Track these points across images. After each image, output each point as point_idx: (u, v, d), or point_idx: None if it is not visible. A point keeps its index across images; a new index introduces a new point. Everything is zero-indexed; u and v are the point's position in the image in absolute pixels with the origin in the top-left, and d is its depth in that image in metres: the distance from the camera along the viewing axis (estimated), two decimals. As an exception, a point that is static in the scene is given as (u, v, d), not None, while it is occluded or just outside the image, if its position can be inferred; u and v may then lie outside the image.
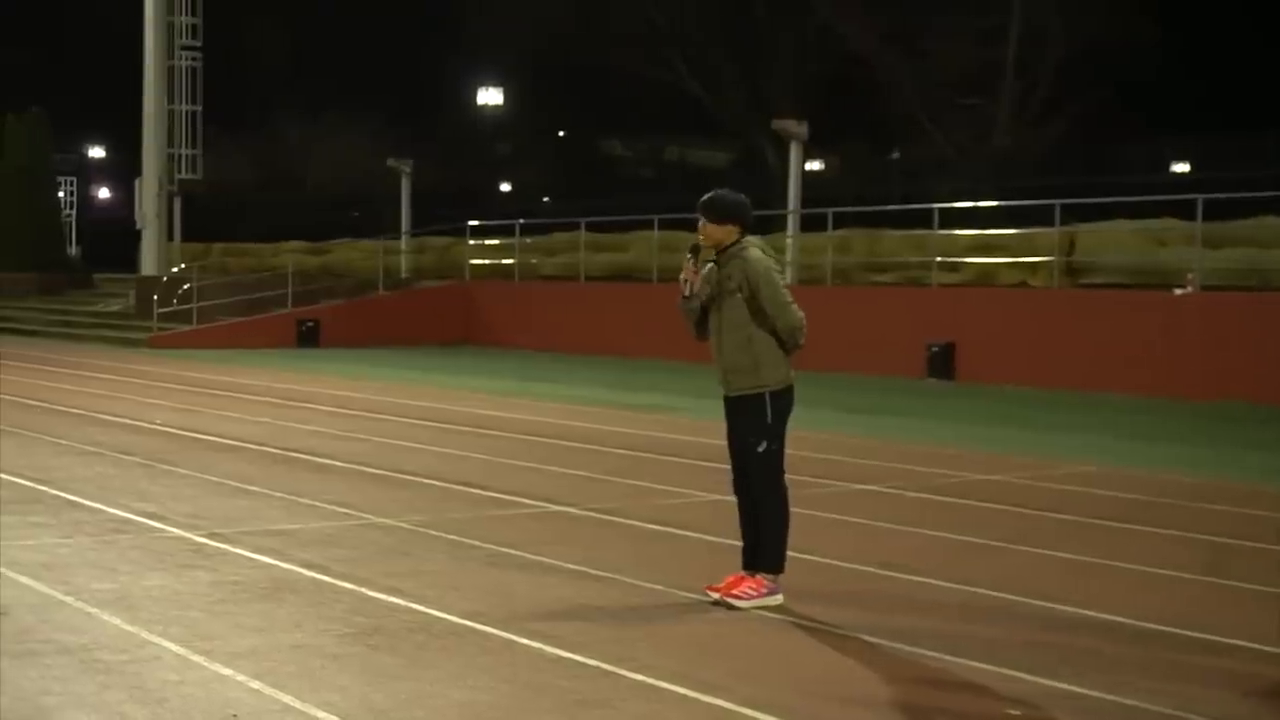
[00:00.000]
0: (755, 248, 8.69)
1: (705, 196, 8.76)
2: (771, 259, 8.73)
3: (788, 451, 8.77)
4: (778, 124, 35.10)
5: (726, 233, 8.66)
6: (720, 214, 8.67)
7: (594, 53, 54.74)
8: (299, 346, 35.00)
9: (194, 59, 41.95)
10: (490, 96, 68.89)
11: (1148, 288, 26.61)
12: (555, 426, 18.23)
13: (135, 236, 41.17)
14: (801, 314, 8.59)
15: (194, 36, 41.85)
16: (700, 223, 8.73)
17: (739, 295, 8.56)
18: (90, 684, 6.77)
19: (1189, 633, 8.10)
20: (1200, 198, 25.45)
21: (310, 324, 35.87)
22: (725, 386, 8.72)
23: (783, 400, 8.64)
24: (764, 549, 8.63)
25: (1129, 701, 6.77)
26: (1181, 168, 54.22)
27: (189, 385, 23.73)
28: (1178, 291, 25.41)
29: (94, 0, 67.42)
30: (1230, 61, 50.87)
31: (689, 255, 8.74)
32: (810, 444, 15.54)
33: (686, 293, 8.76)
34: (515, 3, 55.84)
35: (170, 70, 40.99)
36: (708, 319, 8.78)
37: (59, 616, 8.03)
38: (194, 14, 41.78)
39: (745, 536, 8.76)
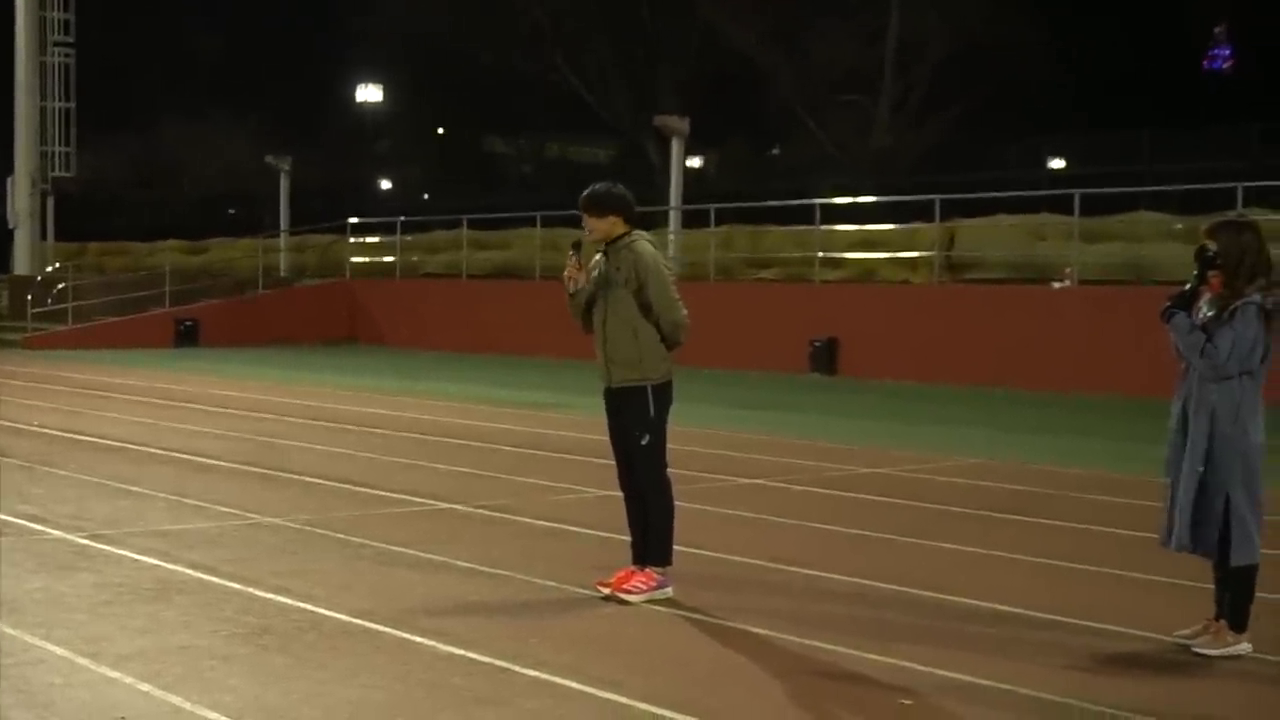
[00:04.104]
0: (645, 241, 8.74)
1: (585, 192, 8.77)
2: (661, 254, 8.78)
3: (671, 446, 8.80)
4: (660, 120, 35.20)
5: (611, 225, 8.68)
6: (601, 207, 8.69)
7: (474, 49, 54.50)
8: (178, 346, 34.54)
9: (67, 55, 41.23)
10: (370, 94, 68.44)
11: (1027, 282, 26.96)
12: (441, 424, 18.15)
13: (8, 236, 40.49)
14: (685, 312, 8.66)
15: (67, 32, 41.14)
16: (584, 219, 8.75)
17: (627, 288, 8.59)
18: (-26, 689, 6.64)
19: (1076, 620, 8.19)
20: (1077, 193, 25.85)
21: (189, 323, 35.43)
22: (607, 378, 8.74)
23: (664, 394, 8.70)
24: (651, 543, 8.66)
25: (1022, 690, 6.84)
26: (1058, 164, 54.96)
27: (67, 386, 23.35)
28: (1056, 285, 25.78)
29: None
30: (1105, 60, 51.67)
31: (571, 252, 8.75)
32: (697, 439, 15.60)
33: (571, 289, 8.77)
34: (394, -1, 55.49)
35: (42, 66, 40.31)
36: (593, 310, 8.79)
37: (-61, 621, 7.87)
38: (66, 10, 41.05)
39: (634, 531, 8.78)
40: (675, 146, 34.11)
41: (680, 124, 33.94)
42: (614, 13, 52.70)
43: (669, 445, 8.79)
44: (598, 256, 8.80)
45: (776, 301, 28.89)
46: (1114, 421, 19.55)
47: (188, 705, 6.43)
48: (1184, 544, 7.56)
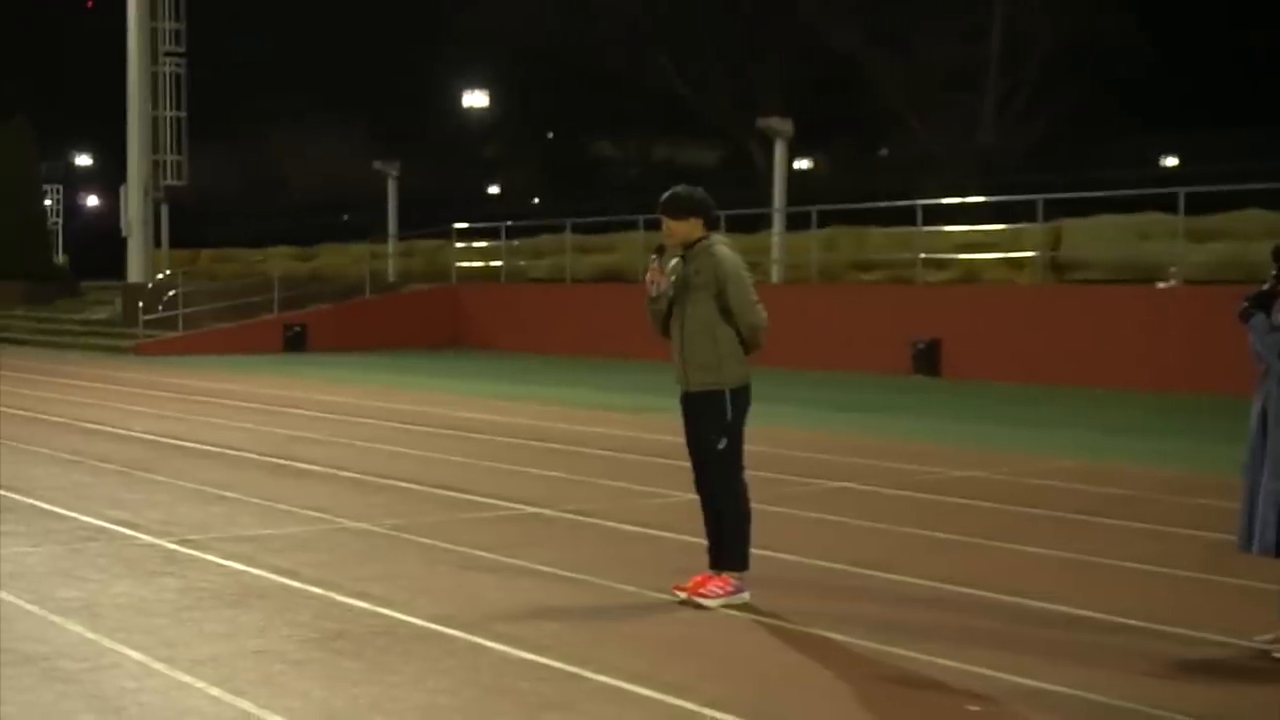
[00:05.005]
0: (724, 245, 8.72)
1: (664, 195, 8.77)
2: (739, 257, 8.74)
3: (762, 448, 8.74)
4: (763, 122, 35.11)
5: (690, 228, 8.67)
6: (680, 210, 8.68)
7: (580, 54, 54.63)
8: (287, 351, 34.96)
9: (178, 65, 41.79)
10: (476, 99, 68.77)
11: (1132, 282, 26.60)
12: (538, 428, 18.19)
13: (122, 244, 41.08)
14: (765, 315, 8.61)
15: (178, 42, 41.69)
16: (664, 222, 8.74)
17: (706, 291, 8.56)
18: (48, 693, 6.72)
19: (1162, 626, 8.06)
20: (1183, 191, 25.45)
21: (298, 329, 35.85)
22: (685, 383, 8.71)
23: (741, 398, 8.64)
24: (725, 548, 8.61)
25: (1095, 696, 6.74)
26: (1168, 162, 54.18)
27: (174, 392, 23.68)
28: (1162, 286, 25.42)
29: (78, 6, 67.34)
30: (1214, 55, 50.85)
31: (653, 256, 8.75)
32: (793, 442, 15.52)
33: (653, 294, 8.77)
34: (501, 4, 55.70)
35: (154, 76, 40.87)
36: (672, 315, 8.77)
37: (22, 626, 7.97)
38: (178, 20, 41.62)
39: (710, 535, 8.74)
40: (779, 148, 34.03)
41: (784, 125, 33.87)
42: (717, 14, 52.59)
43: (746, 448, 8.73)
44: (675, 260, 8.78)
45: (879, 303, 28.72)
46: (1217, 422, 19.21)
47: (255, 710, 6.48)
48: (1268, 547, 7.41)
